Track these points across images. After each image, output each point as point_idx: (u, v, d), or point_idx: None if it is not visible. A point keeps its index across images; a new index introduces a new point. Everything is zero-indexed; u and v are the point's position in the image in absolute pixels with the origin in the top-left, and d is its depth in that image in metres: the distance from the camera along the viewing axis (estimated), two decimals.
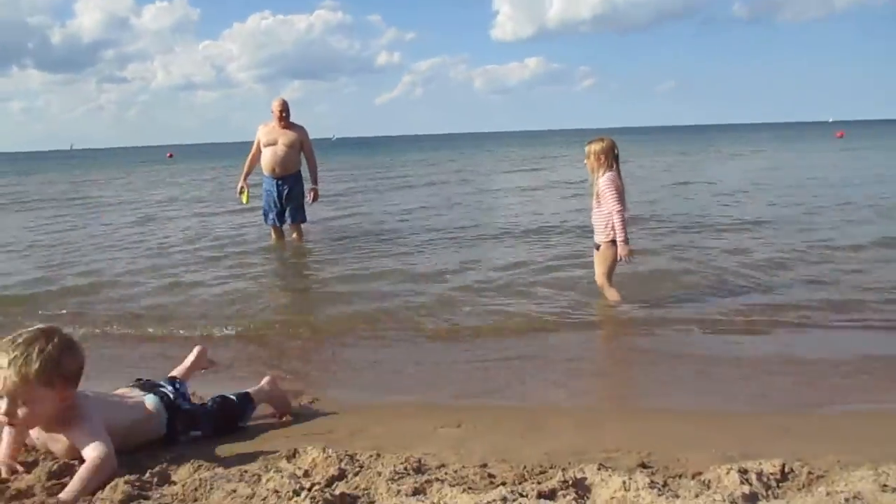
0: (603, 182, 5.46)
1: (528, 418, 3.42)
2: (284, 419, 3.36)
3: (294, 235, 9.46)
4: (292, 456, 2.68)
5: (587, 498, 2.20)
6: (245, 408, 3.23)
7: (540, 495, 2.14)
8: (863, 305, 5.53)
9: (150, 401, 2.95)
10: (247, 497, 2.24)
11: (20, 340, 2.49)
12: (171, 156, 65.69)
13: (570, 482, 2.26)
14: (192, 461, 2.61)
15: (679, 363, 4.39)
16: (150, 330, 5.46)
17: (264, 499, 2.19)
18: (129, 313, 5.99)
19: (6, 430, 2.68)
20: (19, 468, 2.61)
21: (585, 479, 2.31)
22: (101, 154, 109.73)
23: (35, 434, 2.72)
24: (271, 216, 9.30)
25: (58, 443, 2.65)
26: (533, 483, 2.34)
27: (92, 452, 2.49)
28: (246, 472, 2.49)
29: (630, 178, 6.50)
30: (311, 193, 9.41)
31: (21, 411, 2.49)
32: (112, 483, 2.36)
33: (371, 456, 2.66)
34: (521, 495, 2.13)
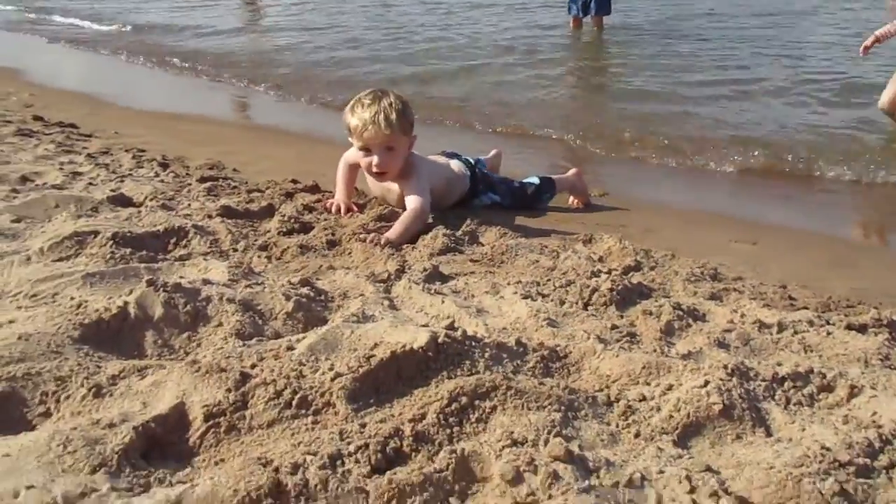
0: None
1: (832, 249, 3.19)
2: (581, 207, 3.49)
3: (595, 28, 9.15)
4: (588, 241, 2.80)
5: None
6: (547, 190, 3.41)
7: (849, 327, 2.03)
8: None
9: (455, 163, 3.34)
10: (548, 269, 2.41)
11: (368, 101, 2.85)
12: None
13: (885, 322, 2.10)
14: (497, 227, 2.84)
15: None
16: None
17: (564, 272, 2.34)
18: None
19: (341, 176, 3.11)
20: (355, 208, 3.05)
21: None
22: None
23: (371, 183, 3.13)
24: (575, 8, 9.04)
25: (391, 192, 3.05)
26: (840, 314, 2.22)
27: (414, 203, 2.85)
28: (546, 247, 2.66)
29: None
30: None
31: (390, 160, 2.89)
32: (433, 233, 2.67)
33: (665, 255, 2.68)
34: (829, 323, 2.04)
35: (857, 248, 3.27)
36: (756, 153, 4.54)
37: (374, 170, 2.92)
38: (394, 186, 3.03)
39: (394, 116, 2.81)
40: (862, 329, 2.04)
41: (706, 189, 4.17)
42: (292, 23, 11.00)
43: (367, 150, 2.89)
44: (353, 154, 3.06)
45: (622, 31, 9.57)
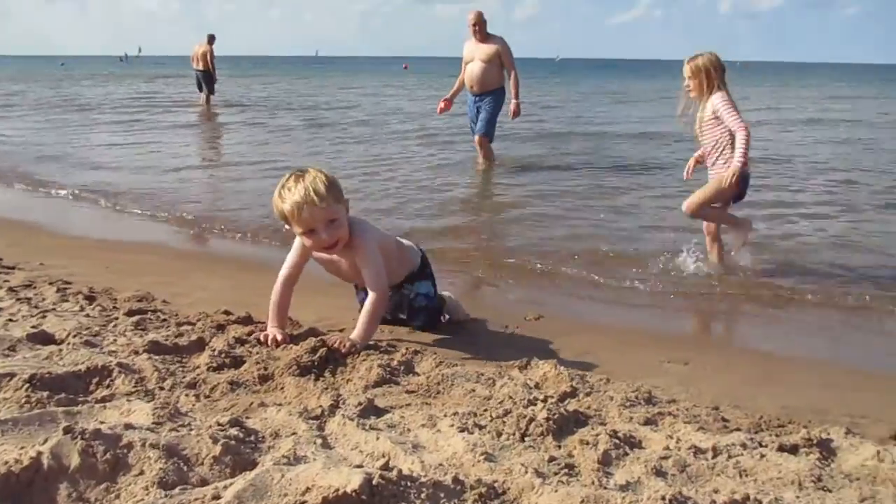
0: (717, 100, 4.53)
1: (761, 366, 3.27)
2: (515, 330, 3.52)
3: (480, 152, 9.14)
4: (524, 367, 2.80)
5: (832, 460, 2.08)
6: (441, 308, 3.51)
7: (781, 448, 2.06)
8: None
9: (400, 238, 3.46)
10: (484, 398, 2.39)
11: (292, 183, 2.89)
12: (406, 67, 68.16)
13: (815, 441, 2.14)
14: (433, 355, 2.82)
15: None
16: None
17: (501, 402, 2.32)
18: None
19: (275, 302, 3.07)
20: (288, 338, 2.97)
21: (831, 440, 2.18)
22: (343, 62, 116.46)
23: (321, 261, 3.17)
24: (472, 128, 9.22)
25: (343, 264, 3.11)
26: (772, 434, 2.26)
27: (375, 287, 2.96)
28: (482, 374, 2.65)
29: None
30: (513, 108, 8.92)
31: (336, 231, 2.92)
32: (367, 364, 2.63)
33: (601, 379, 2.71)
34: (761, 444, 2.06)
35: (785, 364, 3.36)
36: (685, 274, 4.72)
37: (325, 245, 2.94)
38: (343, 259, 3.08)
39: (323, 189, 2.82)
40: (793, 450, 2.08)
41: (639, 308, 4.27)
42: (230, 156, 11.18)
43: (310, 231, 2.91)
44: (294, 256, 3.10)
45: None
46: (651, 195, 7.70)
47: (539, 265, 4.93)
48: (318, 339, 2.78)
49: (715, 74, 4.57)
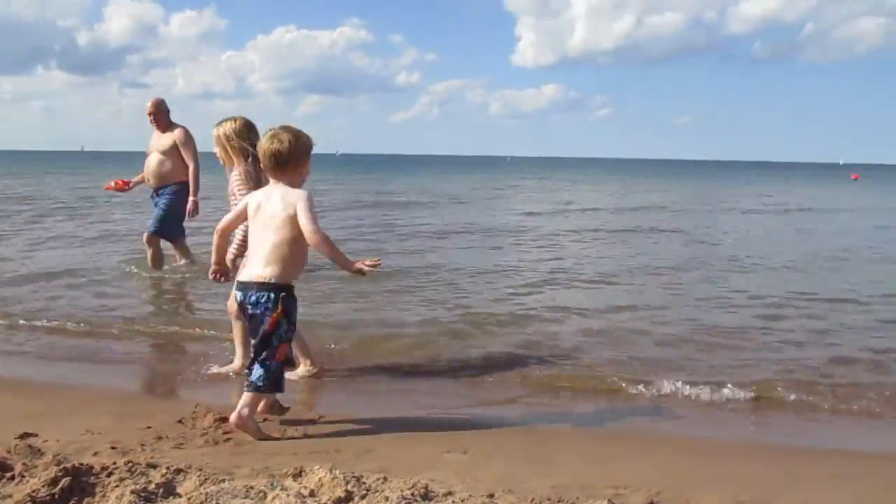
0: (233, 175, 4.18)
1: (535, 446, 3.39)
2: (293, 433, 3.37)
3: (148, 251, 8.14)
4: (298, 475, 2.66)
5: None
6: None
7: None
8: None
9: None
10: None
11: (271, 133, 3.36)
12: None
13: None
14: (197, 473, 2.59)
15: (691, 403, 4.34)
16: None
17: None
18: None
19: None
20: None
21: None
22: (112, 156, 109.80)
23: None
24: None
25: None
26: None
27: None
28: (251, 488, 2.47)
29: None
30: (190, 207, 7.85)
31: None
32: (119, 491, 2.35)
33: (378, 479, 2.63)
34: None
35: (551, 441, 3.51)
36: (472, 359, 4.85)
37: None
38: None
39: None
40: None
41: (418, 399, 4.28)
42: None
43: None
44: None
45: None
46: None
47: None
48: (61, 467, 2.45)
49: (237, 143, 4.13)
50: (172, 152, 7.81)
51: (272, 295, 3.27)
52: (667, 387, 4.40)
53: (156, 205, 8.01)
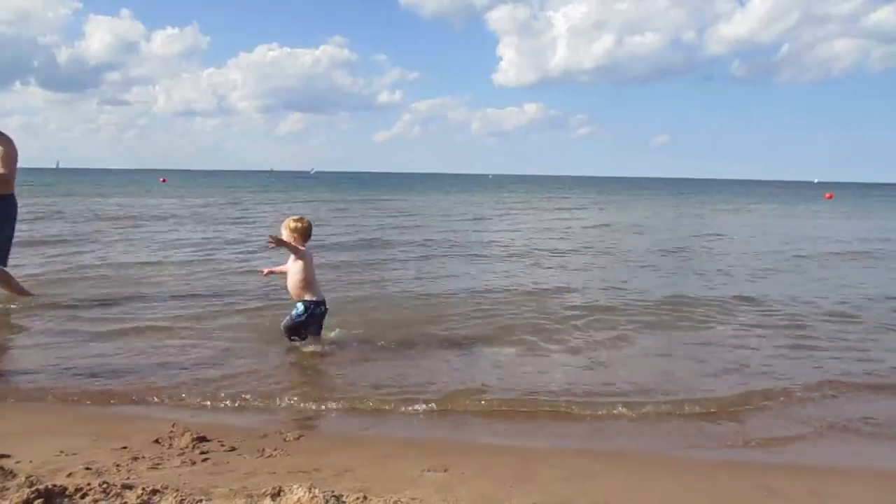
0: None
1: (515, 465, 3.38)
2: (273, 453, 3.33)
3: None
4: (277, 495, 2.63)
5: None
6: None
7: None
8: None
9: None
10: None
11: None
12: (164, 181, 65.13)
13: None
14: (174, 494, 2.56)
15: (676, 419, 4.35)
16: None
17: None
18: None
19: None
20: None
21: None
22: (86, 172, 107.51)
23: None
24: None
25: None
26: None
27: None
28: None
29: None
30: None
31: None
32: None
33: (358, 498, 2.62)
34: None
35: (531, 459, 3.50)
36: (445, 380, 4.83)
37: None
38: None
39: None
40: None
41: (398, 418, 4.26)
42: None
43: None
44: None
45: None
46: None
47: None
48: (34, 489, 2.41)
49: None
50: None
51: None
52: (645, 405, 4.42)
53: None
